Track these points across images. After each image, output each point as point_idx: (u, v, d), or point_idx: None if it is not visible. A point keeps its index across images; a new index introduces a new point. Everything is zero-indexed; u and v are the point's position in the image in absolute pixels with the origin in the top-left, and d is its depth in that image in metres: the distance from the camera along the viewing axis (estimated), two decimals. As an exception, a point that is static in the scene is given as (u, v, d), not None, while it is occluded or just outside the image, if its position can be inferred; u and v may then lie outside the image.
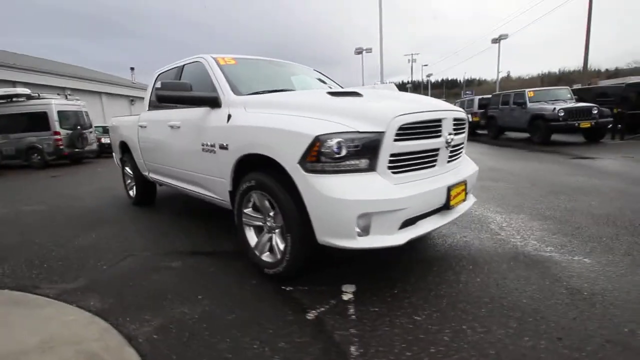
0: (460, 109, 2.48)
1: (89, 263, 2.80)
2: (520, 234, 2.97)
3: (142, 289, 2.31)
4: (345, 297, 2.07)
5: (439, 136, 2.16)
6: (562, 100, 10.52)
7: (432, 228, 2.08)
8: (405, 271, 2.38)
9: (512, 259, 2.49)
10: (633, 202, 3.70)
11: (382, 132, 1.87)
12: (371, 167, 1.89)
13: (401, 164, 1.98)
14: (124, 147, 4.81)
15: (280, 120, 2.09)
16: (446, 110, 2.23)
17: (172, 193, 5.41)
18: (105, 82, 22.42)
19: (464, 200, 2.39)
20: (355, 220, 1.81)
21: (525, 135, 11.33)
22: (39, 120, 10.98)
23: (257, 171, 2.29)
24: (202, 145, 2.78)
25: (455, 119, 2.30)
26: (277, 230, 2.29)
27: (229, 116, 2.49)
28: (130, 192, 4.92)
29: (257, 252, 2.42)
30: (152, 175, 4.13)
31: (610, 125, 9.77)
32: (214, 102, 2.69)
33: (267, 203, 2.27)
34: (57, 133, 11.05)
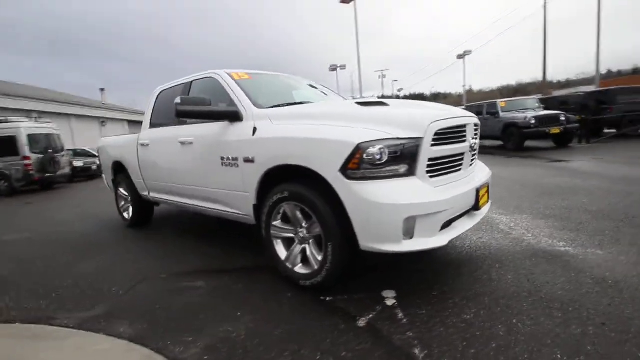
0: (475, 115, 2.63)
1: (102, 289, 2.63)
2: (531, 232, 3.12)
3: (172, 311, 2.20)
4: (389, 302, 2.08)
5: (465, 141, 2.27)
6: (531, 109, 11.28)
7: (467, 228, 2.15)
8: (436, 274, 2.43)
9: (532, 256, 2.60)
10: (620, 199, 4.00)
11: (421, 137, 1.94)
12: (410, 172, 1.95)
13: (436, 168, 2.06)
14: (118, 168, 4.63)
15: (316, 130, 2.12)
16: (469, 117, 2.36)
17: (165, 213, 5.22)
18: (74, 104, 21.47)
19: (487, 201, 2.50)
20: (402, 224, 1.85)
21: (499, 142, 11.98)
22: (7, 145, 10.31)
23: (288, 182, 2.29)
24: (222, 159, 2.74)
25: (474, 125, 2.43)
26: (310, 241, 2.28)
27: (255, 129, 2.48)
28: (125, 214, 4.70)
29: (289, 265, 2.39)
30: (154, 195, 3.98)
31: (578, 131, 10.56)
32: (234, 116, 2.68)
33: (299, 214, 2.27)
34: (26, 158, 10.40)
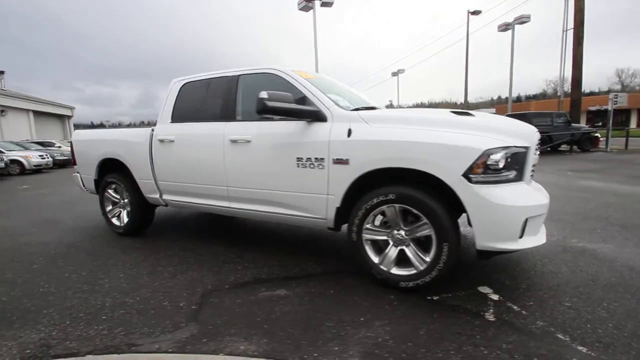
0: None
1: (163, 306, 2.27)
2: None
3: (282, 322, 2.03)
4: (494, 297, 2.25)
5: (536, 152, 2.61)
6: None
7: (545, 230, 2.46)
8: (503, 271, 2.69)
9: (564, 251, 3.06)
10: (593, 203, 4.88)
11: (529, 146, 2.19)
12: (519, 178, 2.17)
13: (530, 175, 2.33)
14: (109, 166, 3.98)
15: (435, 135, 2.19)
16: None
17: (162, 217, 4.63)
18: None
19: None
20: (521, 224, 2.05)
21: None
22: None
23: (392, 185, 2.32)
24: (299, 160, 2.62)
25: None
26: (411, 243, 2.34)
27: (350, 130, 2.45)
28: (115, 220, 4.04)
29: (383, 268, 2.40)
30: (169, 198, 3.54)
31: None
32: (316, 116, 2.59)
33: (400, 216, 2.32)
34: None
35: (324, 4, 16.16)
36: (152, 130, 3.56)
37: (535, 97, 62.88)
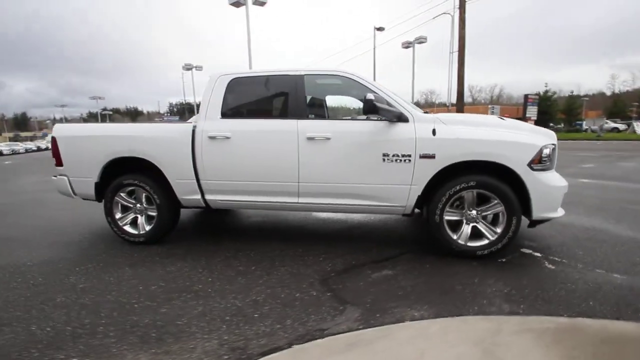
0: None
1: (299, 298, 2.35)
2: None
3: (419, 292, 2.38)
4: (537, 254, 3.06)
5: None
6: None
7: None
8: (540, 237, 3.58)
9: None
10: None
11: (555, 143, 3.06)
12: (552, 166, 3.02)
13: (549, 164, 3.23)
14: (124, 167, 3.48)
15: (506, 134, 2.85)
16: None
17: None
18: None
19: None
20: (561, 198, 2.90)
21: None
22: None
23: (469, 174, 2.90)
24: (386, 156, 2.96)
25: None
26: (481, 220, 2.97)
27: (434, 130, 2.92)
28: (129, 228, 3.54)
29: (461, 242, 2.98)
30: (216, 197, 3.36)
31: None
32: (399, 117, 2.98)
33: (476, 198, 2.93)
34: None
35: (256, 2, 15.96)
36: (194, 126, 3.31)
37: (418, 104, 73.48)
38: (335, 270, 2.80)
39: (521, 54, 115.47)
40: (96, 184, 3.54)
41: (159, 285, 2.58)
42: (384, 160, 2.99)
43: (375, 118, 2.97)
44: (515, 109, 37.46)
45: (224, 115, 3.32)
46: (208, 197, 3.40)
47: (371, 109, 2.71)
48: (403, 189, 3.01)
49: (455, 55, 20.66)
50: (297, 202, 3.24)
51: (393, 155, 2.97)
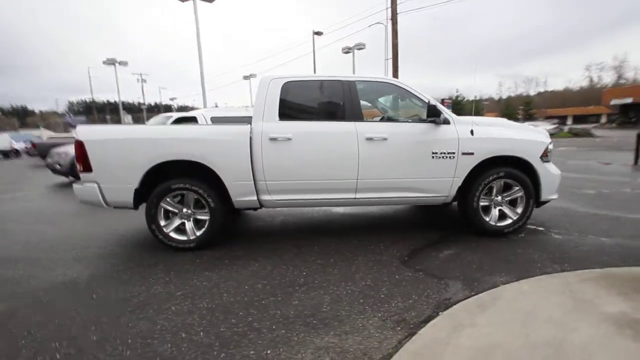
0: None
1: (398, 280, 2.66)
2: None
3: (491, 263, 2.91)
4: (540, 228, 3.88)
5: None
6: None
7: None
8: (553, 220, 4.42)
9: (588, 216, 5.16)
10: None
11: (550, 141, 3.92)
12: (550, 159, 3.87)
13: (541, 157, 4.11)
14: (178, 171, 3.32)
15: (523, 133, 3.59)
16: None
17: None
18: None
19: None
20: (558, 183, 3.75)
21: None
22: None
23: (498, 166, 3.56)
24: (434, 153, 3.45)
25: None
26: (504, 204, 3.67)
27: (472, 131, 3.50)
28: (175, 234, 3.38)
29: (492, 223, 3.64)
30: (273, 197, 3.44)
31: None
32: (444, 120, 3.48)
33: (502, 186, 3.62)
34: None
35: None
36: (251, 128, 3.34)
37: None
38: (405, 254, 3.17)
39: (435, 60, 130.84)
40: (136, 190, 3.29)
41: (262, 283, 2.62)
42: (432, 157, 3.47)
43: (430, 120, 3.43)
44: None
45: (282, 117, 3.42)
46: (264, 197, 3.45)
47: (435, 113, 3.17)
48: (448, 182, 3.54)
49: (390, 61, 22.65)
50: (354, 198, 3.52)
51: (440, 153, 3.47)
